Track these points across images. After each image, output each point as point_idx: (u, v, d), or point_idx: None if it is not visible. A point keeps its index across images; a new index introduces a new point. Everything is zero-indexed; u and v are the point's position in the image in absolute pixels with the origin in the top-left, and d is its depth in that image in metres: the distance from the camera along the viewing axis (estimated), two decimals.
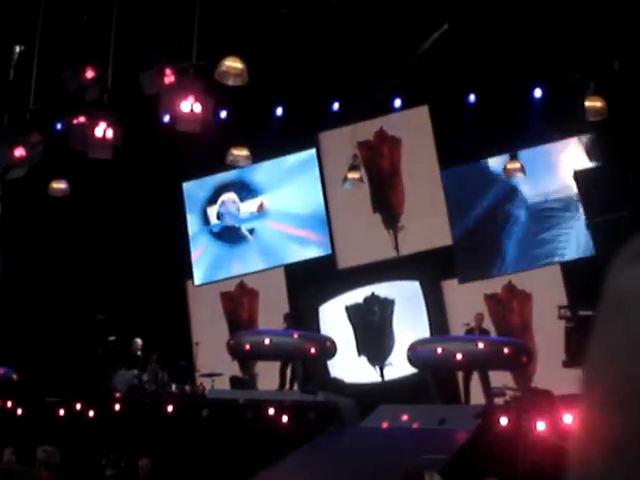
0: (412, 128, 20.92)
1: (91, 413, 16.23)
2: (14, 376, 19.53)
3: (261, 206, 22.65)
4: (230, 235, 22.98)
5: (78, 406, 16.40)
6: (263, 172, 22.44)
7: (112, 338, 18.58)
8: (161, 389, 17.23)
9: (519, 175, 18.58)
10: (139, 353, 18.20)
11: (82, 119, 15.42)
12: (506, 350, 15.96)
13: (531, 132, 18.72)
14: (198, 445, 14.73)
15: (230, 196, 23.00)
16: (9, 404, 17.16)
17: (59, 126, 17.04)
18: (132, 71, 15.59)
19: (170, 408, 15.83)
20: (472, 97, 19.90)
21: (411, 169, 21.06)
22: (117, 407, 16.22)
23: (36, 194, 18.81)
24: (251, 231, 22.70)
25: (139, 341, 18.35)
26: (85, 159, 15.52)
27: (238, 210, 22.92)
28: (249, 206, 22.83)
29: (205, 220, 23.26)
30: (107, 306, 19.90)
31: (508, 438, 12.69)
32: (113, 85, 15.56)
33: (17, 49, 22.05)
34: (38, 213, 20.95)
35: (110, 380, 17.71)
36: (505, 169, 18.61)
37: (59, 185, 18.03)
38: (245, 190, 22.86)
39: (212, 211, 23.19)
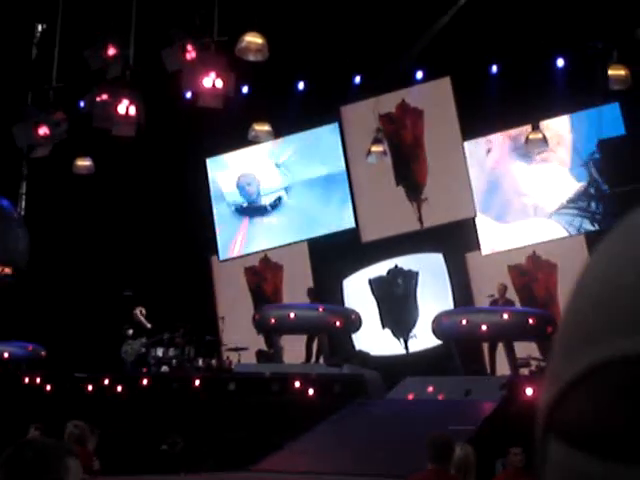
0: (434, 100, 20.86)
1: (119, 388, 16.38)
2: (42, 352, 19.77)
3: (283, 181, 22.69)
4: (254, 210, 23.05)
5: (106, 381, 16.55)
6: (285, 146, 22.45)
7: (129, 293, 18.80)
8: (188, 364, 17.38)
9: (541, 146, 18.50)
10: (144, 321, 18.33)
11: (105, 97, 15.49)
12: (531, 320, 15.95)
13: (554, 102, 18.62)
14: (225, 418, 14.85)
15: (250, 172, 23.04)
16: (38, 380, 17.34)
17: (82, 104, 17.11)
18: (154, 48, 15.63)
19: (197, 382, 15.96)
20: (494, 68, 19.81)
21: (434, 141, 21.01)
22: (145, 382, 16.35)
23: (61, 172, 18.92)
24: (274, 206, 22.75)
25: (142, 310, 18.47)
26: (109, 136, 15.59)
27: (258, 186, 22.98)
28: (272, 181, 22.87)
29: (228, 195, 23.32)
30: (133, 282, 20.04)
31: (534, 409, 12.72)
32: (135, 62, 15.61)
33: (39, 28, 22.17)
34: (63, 191, 21.08)
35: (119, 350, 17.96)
36: (527, 140, 18.51)
37: (83, 162, 18.15)
38: (267, 165, 22.90)
39: (233, 186, 23.24)
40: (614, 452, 0.55)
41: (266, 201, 22.87)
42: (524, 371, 15.84)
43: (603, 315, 0.61)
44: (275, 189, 22.79)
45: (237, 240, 23.14)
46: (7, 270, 21.01)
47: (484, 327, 15.98)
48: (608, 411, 0.56)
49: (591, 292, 0.65)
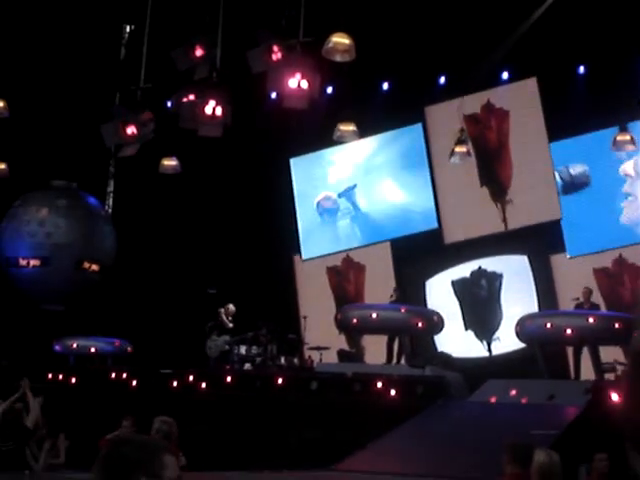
0: (520, 100, 20.65)
1: (203, 385, 16.57)
2: (129, 348, 20.11)
3: (367, 180, 22.70)
4: (337, 210, 23.09)
5: (191, 378, 16.75)
6: (370, 147, 22.46)
7: (213, 291, 19.03)
8: (270, 362, 17.49)
9: (629, 147, 18.17)
10: (230, 319, 18.50)
11: (192, 97, 15.63)
12: (617, 325, 15.69)
13: None
14: (307, 417, 14.92)
15: (329, 189, 23.13)
16: (124, 375, 17.62)
17: (169, 104, 17.31)
18: (240, 49, 15.74)
19: (280, 381, 16.06)
20: (582, 68, 19.54)
21: (519, 142, 20.80)
22: (228, 379, 16.51)
23: (147, 171, 19.20)
24: (358, 206, 22.77)
25: (232, 307, 18.62)
26: (195, 136, 15.75)
27: (336, 202, 23.04)
28: (356, 180, 22.88)
29: (311, 197, 23.41)
30: (218, 280, 20.25)
31: (619, 414, 12.51)
32: (222, 63, 15.74)
33: (128, 28, 22.54)
34: (149, 190, 21.40)
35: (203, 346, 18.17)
36: (615, 141, 18.18)
37: (170, 162, 18.36)
38: (351, 164, 22.92)
39: (317, 190, 23.33)
40: None
41: (350, 201, 22.88)
42: (609, 376, 15.59)
43: None
44: (359, 188, 22.80)
45: (320, 240, 23.21)
46: (94, 267, 21.42)
47: (569, 331, 15.77)
48: None
49: None
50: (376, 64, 19.76)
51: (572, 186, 20.11)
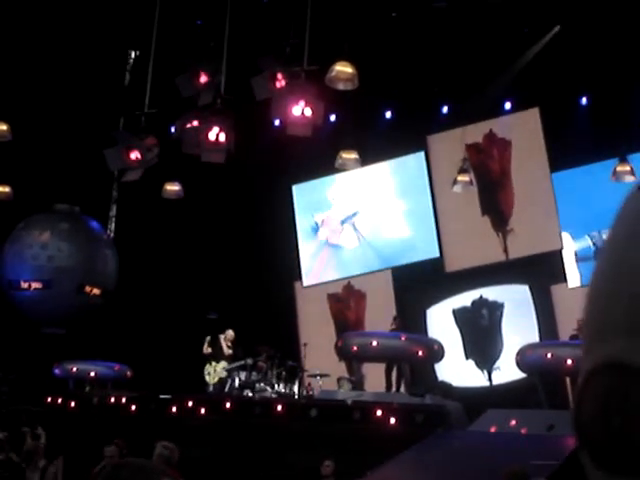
0: (522, 130, 20.73)
1: (202, 410, 16.53)
2: (128, 372, 20.07)
3: (368, 208, 22.75)
4: (339, 237, 23.12)
5: (190, 403, 16.71)
6: (372, 174, 22.51)
7: (213, 316, 19.00)
8: (270, 388, 17.45)
9: (629, 178, 18.17)
10: (229, 345, 18.44)
11: (195, 123, 15.71)
12: None
13: None
14: (306, 444, 14.88)
15: (330, 216, 23.16)
16: (123, 400, 17.58)
17: (173, 130, 17.38)
18: (244, 76, 15.84)
19: (279, 407, 16.02)
20: (584, 99, 19.62)
21: (521, 172, 20.86)
22: (227, 405, 16.48)
23: (150, 196, 19.25)
24: (359, 233, 22.80)
25: (231, 333, 18.56)
26: (198, 162, 15.80)
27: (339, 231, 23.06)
28: (357, 208, 22.94)
29: (313, 224, 23.46)
30: (218, 305, 20.25)
31: None
32: (226, 90, 15.81)
33: (133, 54, 22.65)
34: (152, 214, 21.44)
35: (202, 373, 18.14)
36: (615, 172, 18.17)
37: (173, 187, 18.41)
38: (355, 192, 22.98)
39: (319, 217, 23.37)
40: (609, 463, 0.55)
41: (351, 228, 22.92)
42: None
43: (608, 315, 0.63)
44: (360, 216, 22.84)
45: (321, 266, 23.24)
46: (96, 291, 21.43)
47: (569, 361, 15.72)
48: (600, 417, 0.55)
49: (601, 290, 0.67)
50: (379, 92, 19.86)
51: None
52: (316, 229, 23.39)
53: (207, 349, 18.35)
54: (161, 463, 6.34)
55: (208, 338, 18.41)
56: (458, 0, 17.48)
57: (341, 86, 14.12)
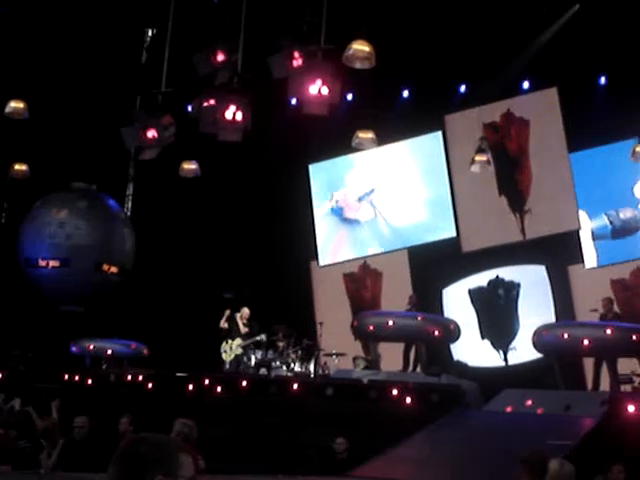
0: (540, 110, 20.62)
1: (219, 389, 16.58)
2: (145, 350, 20.15)
3: (386, 187, 22.69)
4: (355, 216, 23.09)
5: (206, 381, 16.76)
6: (389, 154, 22.45)
7: (229, 295, 19.03)
8: (286, 367, 17.49)
9: None
10: (244, 323, 18.45)
11: (212, 102, 15.66)
12: (634, 337, 15.59)
13: None
14: (322, 423, 14.90)
15: (347, 194, 23.10)
16: (140, 378, 17.65)
17: (190, 108, 17.37)
18: (261, 55, 15.78)
19: (295, 386, 16.06)
20: (603, 79, 19.49)
21: (539, 152, 20.77)
22: (244, 384, 16.52)
23: (167, 174, 19.26)
24: (376, 212, 22.76)
25: (246, 311, 18.56)
26: (215, 140, 15.78)
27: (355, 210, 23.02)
28: (374, 187, 22.88)
29: (329, 203, 23.42)
30: (234, 285, 20.28)
31: (636, 426, 12.47)
32: (243, 68, 15.76)
33: (149, 33, 22.63)
34: (169, 193, 21.47)
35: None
36: (634, 152, 18.08)
37: (190, 166, 18.40)
38: (372, 172, 22.93)
39: (336, 196, 23.33)
40: None
41: (368, 207, 22.88)
42: (626, 387, 15.51)
43: None
44: (377, 195, 22.80)
45: (337, 246, 23.22)
46: (113, 269, 21.50)
47: (586, 342, 15.68)
48: None
49: None
50: (396, 72, 19.76)
51: (622, 231, 19.87)
52: (332, 208, 23.35)
53: (224, 323, 18.35)
54: (180, 440, 6.36)
55: (227, 312, 18.41)
56: None
57: (358, 65, 14.04)
